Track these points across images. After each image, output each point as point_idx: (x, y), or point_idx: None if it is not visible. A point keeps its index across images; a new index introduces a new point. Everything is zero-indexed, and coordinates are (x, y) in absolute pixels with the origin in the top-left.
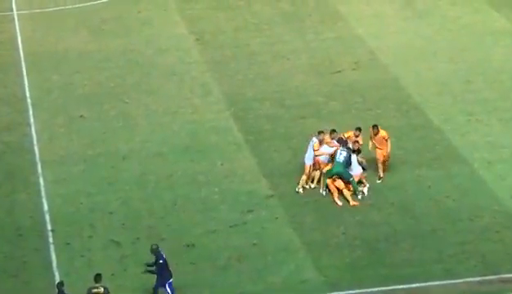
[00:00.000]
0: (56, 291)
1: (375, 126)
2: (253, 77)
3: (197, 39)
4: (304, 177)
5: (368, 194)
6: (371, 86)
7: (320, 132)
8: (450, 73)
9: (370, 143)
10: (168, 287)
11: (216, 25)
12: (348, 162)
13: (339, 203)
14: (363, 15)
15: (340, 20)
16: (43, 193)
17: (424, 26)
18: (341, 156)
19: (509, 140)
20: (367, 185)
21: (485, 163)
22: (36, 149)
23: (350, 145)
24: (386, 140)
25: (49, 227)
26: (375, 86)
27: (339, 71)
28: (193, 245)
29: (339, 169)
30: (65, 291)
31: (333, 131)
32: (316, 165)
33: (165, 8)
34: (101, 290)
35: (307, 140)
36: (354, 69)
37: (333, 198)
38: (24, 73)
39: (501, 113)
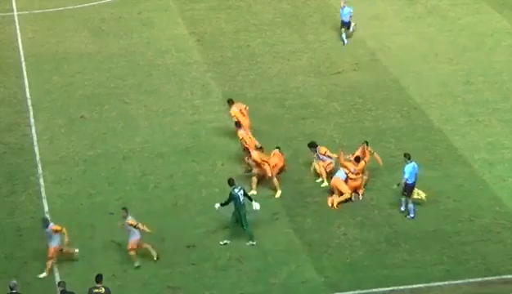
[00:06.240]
0: (58, 291)
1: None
2: (254, 78)
3: (198, 40)
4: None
5: (369, 197)
6: (372, 87)
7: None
8: (450, 73)
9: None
10: None
11: (216, 26)
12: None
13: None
14: (364, 16)
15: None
16: (44, 194)
17: (424, 27)
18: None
19: (510, 140)
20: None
21: (486, 164)
22: (36, 149)
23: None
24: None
25: None
26: (376, 87)
27: (340, 72)
28: (194, 245)
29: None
30: (67, 290)
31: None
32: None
33: (166, 9)
34: (102, 290)
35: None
36: (355, 70)
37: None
38: (25, 73)
39: (502, 114)
